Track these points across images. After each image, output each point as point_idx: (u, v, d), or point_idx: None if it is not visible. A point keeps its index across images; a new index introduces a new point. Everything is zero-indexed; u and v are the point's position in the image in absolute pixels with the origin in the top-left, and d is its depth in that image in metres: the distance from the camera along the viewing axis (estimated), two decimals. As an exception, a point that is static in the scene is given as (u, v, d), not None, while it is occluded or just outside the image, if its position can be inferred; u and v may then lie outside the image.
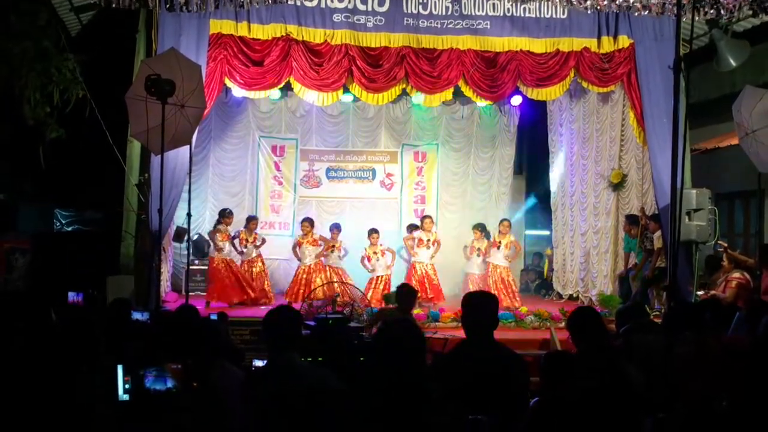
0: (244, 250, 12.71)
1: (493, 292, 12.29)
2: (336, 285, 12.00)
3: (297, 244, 13.03)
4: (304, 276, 12.76)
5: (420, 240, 12.87)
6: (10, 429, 3.99)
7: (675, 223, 4.65)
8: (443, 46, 11.16)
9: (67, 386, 4.19)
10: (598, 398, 2.97)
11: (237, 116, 14.82)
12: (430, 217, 13.34)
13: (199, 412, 4.12)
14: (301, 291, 12.48)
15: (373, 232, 12.94)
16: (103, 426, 4.13)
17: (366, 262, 12.85)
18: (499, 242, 12.70)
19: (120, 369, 4.45)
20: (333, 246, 12.91)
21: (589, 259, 14.07)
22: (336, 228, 13.16)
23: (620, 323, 6.31)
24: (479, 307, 4.42)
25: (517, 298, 12.73)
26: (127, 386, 4.43)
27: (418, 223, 13.42)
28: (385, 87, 11.33)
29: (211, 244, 12.50)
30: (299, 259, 12.93)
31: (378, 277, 12.72)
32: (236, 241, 12.63)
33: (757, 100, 8.50)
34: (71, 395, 4.13)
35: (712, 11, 10.66)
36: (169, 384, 4.34)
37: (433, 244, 12.85)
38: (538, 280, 15.68)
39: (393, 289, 12.68)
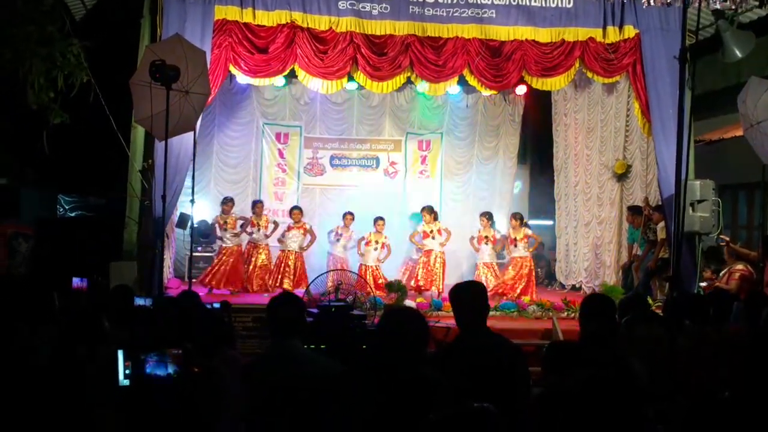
0: (254, 231, 12.76)
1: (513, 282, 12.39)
2: (334, 273, 11.97)
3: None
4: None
5: (425, 233, 12.85)
6: (9, 413, 4.01)
7: (679, 214, 4.64)
8: (448, 34, 11.12)
9: (66, 370, 4.21)
10: (600, 388, 2.97)
11: (241, 103, 14.82)
12: (426, 208, 13.14)
13: (199, 397, 4.13)
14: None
15: (379, 219, 12.89)
16: (103, 411, 4.14)
17: (363, 245, 12.82)
18: (515, 238, 12.64)
19: (120, 354, 4.45)
20: (341, 236, 12.91)
21: (593, 249, 14.07)
22: (350, 214, 13.07)
23: (622, 314, 6.31)
24: (472, 297, 4.39)
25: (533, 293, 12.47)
26: (127, 371, 4.43)
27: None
28: (389, 75, 11.30)
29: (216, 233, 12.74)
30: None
31: (366, 266, 12.66)
32: (246, 225, 12.77)
33: (763, 92, 8.48)
34: (70, 379, 4.15)
35: (719, 1, 10.60)
36: (170, 369, 4.35)
37: (439, 233, 12.82)
38: (544, 268, 15.67)
39: (388, 280, 12.68)
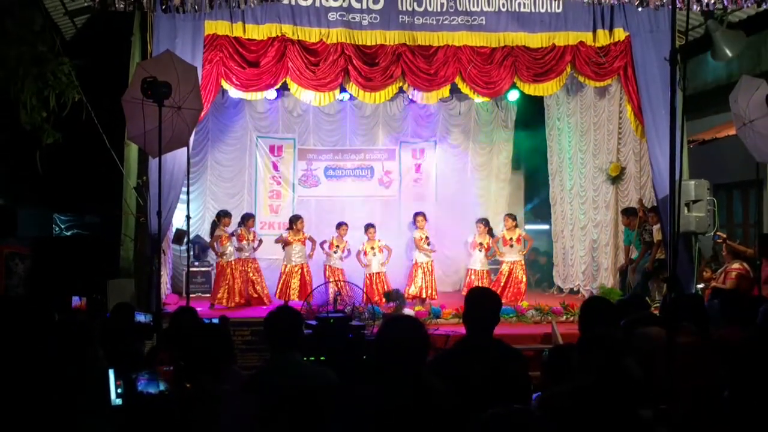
0: (245, 245, 12.63)
1: (502, 288, 12.41)
2: (335, 284, 11.94)
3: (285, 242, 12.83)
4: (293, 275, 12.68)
5: (421, 239, 12.86)
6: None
7: (674, 215, 4.64)
8: (439, 42, 11.13)
9: (56, 389, 4.18)
10: (598, 394, 2.97)
11: (234, 117, 14.80)
12: (422, 213, 13.22)
13: (192, 414, 4.11)
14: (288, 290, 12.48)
15: (369, 226, 12.92)
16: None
17: (362, 256, 12.80)
18: (510, 239, 12.66)
19: (111, 373, 4.41)
20: (338, 247, 12.85)
21: (590, 252, 14.08)
22: (345, 224, 13.03)
23: (620, 316, 6.30)
24: (480, 303, 4.41)
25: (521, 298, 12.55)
26: (119, 390, 4.40)
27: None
28: (381, 86, 11.29)
29: (215, 250, 12.52)
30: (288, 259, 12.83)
31: (374, 274, 12.67)
32: (234, 239, 12.63)
33: (754, 90, 8.49)
34: (60, 398, 4.12)
35: (713, 3, 10.64)
36: (161, 387, 4.33)
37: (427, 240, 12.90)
38: (538, 274, 15.68)
39: (393, 286, 12.69)
